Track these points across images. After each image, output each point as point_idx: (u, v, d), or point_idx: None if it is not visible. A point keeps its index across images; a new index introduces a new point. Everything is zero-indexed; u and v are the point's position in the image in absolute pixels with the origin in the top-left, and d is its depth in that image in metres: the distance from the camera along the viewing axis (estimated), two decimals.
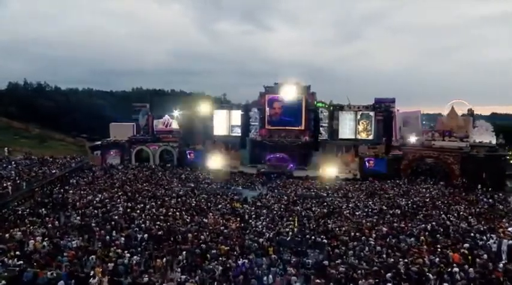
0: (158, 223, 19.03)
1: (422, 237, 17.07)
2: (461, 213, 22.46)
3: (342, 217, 22.35)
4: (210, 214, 22.00)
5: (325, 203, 26.09)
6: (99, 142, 47.88)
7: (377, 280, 11.50)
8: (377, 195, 29.39)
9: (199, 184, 33.28)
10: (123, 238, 16.27)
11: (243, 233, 18.40)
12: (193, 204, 24.47)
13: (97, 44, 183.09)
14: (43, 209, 21.00)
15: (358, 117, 44.44)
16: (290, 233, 18.48)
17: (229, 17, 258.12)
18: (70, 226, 18.31)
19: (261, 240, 16.97)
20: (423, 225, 19.67)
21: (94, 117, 62.47)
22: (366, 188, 32.28)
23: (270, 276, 12.84)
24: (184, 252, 14.84)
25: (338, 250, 15.75)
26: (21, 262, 11.92)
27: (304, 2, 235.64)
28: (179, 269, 13.63)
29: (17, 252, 13.22)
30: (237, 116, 47.91)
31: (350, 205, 25.55)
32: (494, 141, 35.58)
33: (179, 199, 25.83)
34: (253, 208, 24.49)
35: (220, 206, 24.65)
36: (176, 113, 51.81)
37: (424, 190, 30.92)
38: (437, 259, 13.05)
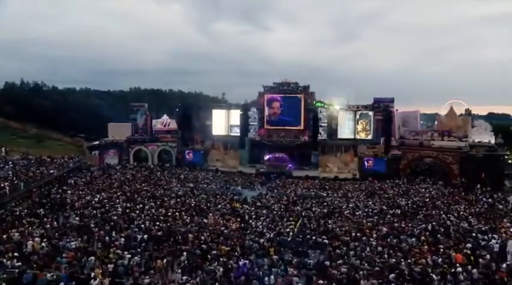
0: (158, 223, 18.88)
1: (423, 238, 17.01)
2: (461, 213, 22.44)
3: (342, 217, 22.31)
4: (210, 214, 21.88)
5: (325, 203, 26.05)
6: (97, 142, 47.60)
7: (380, 281, 11.42)
8: (377, 195, 29.38)
9: (198, 184, 33.15)
10: (122, 239, 16.10)
11: (244, 234, 18.29)
12: (192, 204, 24.34)
13: (95, 44, 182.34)
14: (41, 210, 20.76)
15: (357, 116, 44.41)
16: (291, 233, 18.39)
17: (228, 17, 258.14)
18: (69, 226, 18.08)
19: (261, 240, 16.87)
20: (424, 225, 19.63)
21: (92, 117, 62.04)
22: (366, 188, 32.27)
23: (272, 277, 12.72)
24: (185, 253, 14.71)
25: (339, 250, 15.68)
26: (20, 263, 11.75)
27: (302, 1, 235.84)
28: (179, 270, 13.52)
29: (15, 254, 13.05)
30: (235, 116, 47.75)
31: (350, 205, 25.52)
32: (493, 141, 35.65)
33: (178, 199, 25.69)
34: (253, 208, 24.41)
35: (220, 206, 24.53)
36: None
37: (423, 189, 30.91)
38: (440, 259, 12.99)
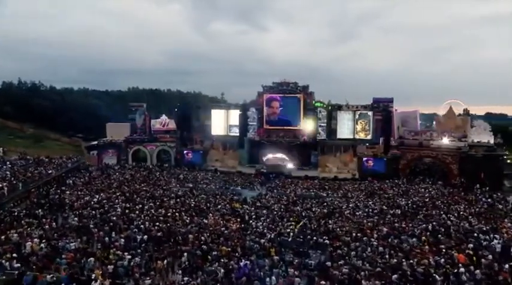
0: (157, 224, 18.77)
1: (423, 238, 16.98)
2: (461, 213, 22.43)
3: (342, 217, 22.26)
4: (210, 214, 21.76)
5: (325, 204, 25.99)
6: (95, 142, 47.38)
7: (383, 282, 11.35)
8: (376, 195, 29.36)
9: (197, 184, 33.03)
10: (122, 240, 15.97)
11: (244, 234, 18.19)
12: (192, 205, 24.23)
13: (92, 43, 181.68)
14: (40, 210, 20.58)
15: (357, 116, 44.39)
16: (291, 234, 18.31)
17: (225, 17, 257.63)
18: (68, 227, 17.94)
19: (262, 241, 16.79)
20: (424, 225, 19.60)
21: (90, 117, 61.72)
22: (365, 188, 32.26)
23: (273, 277, 12.65)
24: (185, 254, 14.60)
25: (340, 251, 15.62)
26: (19, 265, 11.60)
27: (299, 1, 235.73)
28: (180, 271, 13.41)
29: (14, 255, 12.90)
30: (234, 116, 47.64)
31: (350, 205, 25.47)
32: (492, 141, 35.69)
33: (178, 200, 25.58)
34: (253, 209, 24.31)
35: (219, 206, 24.43)
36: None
37: (423, 189, 30.92)
38: (442, 260, 12.94)
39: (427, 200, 26.68)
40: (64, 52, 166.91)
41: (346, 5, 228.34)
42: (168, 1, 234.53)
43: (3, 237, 15.21)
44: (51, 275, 10.43)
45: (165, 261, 14.18)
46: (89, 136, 57.89)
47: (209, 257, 14.52)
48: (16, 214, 19.79)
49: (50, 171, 30.80)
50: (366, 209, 24.17)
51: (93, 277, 10.65)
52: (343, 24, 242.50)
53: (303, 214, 22.69)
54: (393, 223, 20.46)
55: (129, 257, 13.84)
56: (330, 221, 20.89)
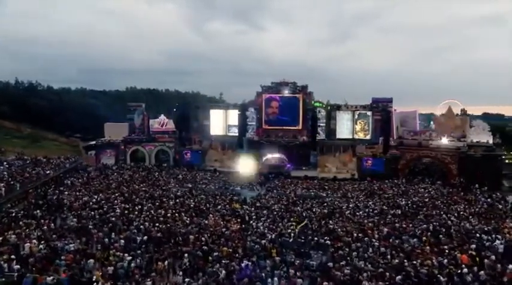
0: (157, 224, 18.62)
1: (424, 238, 16.94)
2: (461, 213, 22.43)
3: (343, 218, 22.18)
4: (210, 215, 21.62)
5: (325, 204, 25.91)
6: (93, 142, 47.12)
7: (387, 283, 11.26)
8: (376, 195, 29.31)
9: (197, 185, 32.87)
10: (122, 240, 15.81)
11: (245, 235, 18.06)
12: (192, 205, 24.06)
13: (89, 43, 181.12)
14: (38, 211, 20.36)
15: (356, 116, 44.38)
16: (292, 234, 18.21)
17: (222, 16, 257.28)
18: (66, 228, 17.73)
19: (263, 242, 16.67)
20: (425, 225, 19.56)
21: (87, 117, 61.47)
22: (365, 188, 32.20)
23: (275, 278, 12.54)
24: (186, 255, 14.47)
25: (342, 251, 15.53)
26: (19, 266, 11.42)
27: (297, 1, 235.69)
28: (181, 272, 13.28)
29: (12, 256, 12.72)
30: (233, 116, 47.53)
31: (350, 205, 25.40)
32: (491, 141, 35.79)
33: (177, 200, 25.40)
34: (253, 209, 24.17)
35: (219, 207, 24.27)
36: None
37: (422, 189, 30.91)
38: (445, 261, 12.88)
39: (426, 200, 26.67)
40: (61, 52, 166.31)
41: (345, 5, 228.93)
42: (165, 1, 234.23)
43: (1, 238, 14.99)
44: (52, 277, 10.26)
45: (166, 262, 14.03)
46: (86, 136, 57.67)
47: (210, 258, 14.39)
48: (14, 214, 19.52)
49: (47, 171, 30.56)
50: (366, 210, 24.10)
51: (94, 279, 10.47)
52: (342, 24, 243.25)
53: (304, 215, 22.58)
54: (394, 223, 20.40)
55: (129, 258, 13.68)
56: (330, 222, 20.80)
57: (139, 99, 60.26)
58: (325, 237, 17.46)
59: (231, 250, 15.30)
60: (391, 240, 17.01)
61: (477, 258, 12.91)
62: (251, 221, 20.84)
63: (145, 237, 16.36)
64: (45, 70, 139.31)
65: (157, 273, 13.24)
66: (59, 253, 13.85)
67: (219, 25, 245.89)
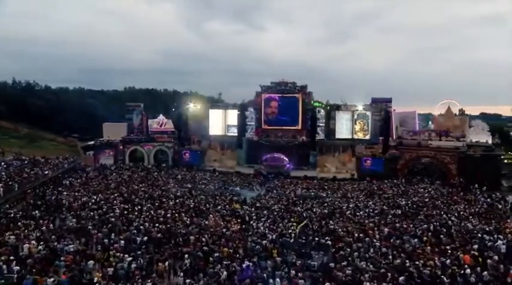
0: (157, 225, 18.50)
1: (425, 238, 16.90)
2: (461, 213, 22.42)
3: (343, 218, 22.11)
4: (211, 215, 21.52)
5: (326, 204, 25.85)
6: (92, 142, 46.91)
7: (389, 284, 11.19)
8: (376, 195, 29.28)
9: (196, 185, 32.75)
10: (122, 241, 15.68)
11: (245, 235, 17.97)
12: (191, 205, 23.94)
13: (87, 43, 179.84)
14: (36, 212, 20.20)
15: (355, 116, 44.37)
16: (293, 234, 18.14)
17: (221, 16, 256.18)
18: (66, 229, 17.60)
19: (264, 242, 16.59)
20: (425, 225, 19.52)
21: (85, 117, 61.22)
22: (365, 188, 32.17)
23: (278, 279, 12.46)
24: (186, 256, 14.36)
25: (343, 252, 15.46)
26: (18, 268, 11.28)
27: (295, 1, 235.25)
28: (182, 273, 13.17)
29: (11, 257, 12.58)
30: (232, 116, 47.43)
31: (350, 205, 25.34)
32: (490, 141, 35.83)
33: (177, 200, 25.28)
34: (253, 209, 24.09)
35: (219, 207, 24.17)
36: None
37: (422, 189, 30.91)
38: (448, 261, 12.83)
39: (426, 200, 26.64)
40: (61, 52, 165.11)
41: (344, 5, 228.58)
42: (164, 1, 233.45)
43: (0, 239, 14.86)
44: (52, 279, 10.13)
45: (167, 263, 13.92)
46: (84, 136, 57.42)
47: (211, 258, 14.28)
48: (12, 215, 19.37)
49: (46, 172, 30.36)
50: (367, 210, 24.05)
51: (95, 281, 10.35)
52: (341, 24, 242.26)
53: (304, 215, 22.52)
54: (394, 223, 20.36)
55: (130, 259, 13.57)
56: (331, 222, 20.73)
57: (138, 98, 60.06)
58: (326, 238, 17.39)
59: (231, 251, 15.21)
60: (392, 240, 16.96)
61: (480, 259, 12.87)
62: (251, 222, 20.75)
63: (145, 238, 16.25)
64: (44, 70, 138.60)
65: (158, 274, 13.14)
66: (58, 254, 13.72)
67: (218, 25, 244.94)
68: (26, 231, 16.51)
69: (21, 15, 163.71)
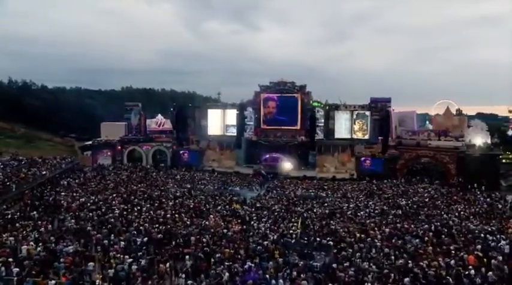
0: (157, 225, 18.31)
1: (426, 238, 16.83)
2: (461, 213, 22.41)
3: (344, 218, 22.02)
4: (211, 216, 21.35)
5: (326, 204, 25.76)
6: (89, 142, 46.58)
7: None
8: (376, 195, 29.23)
9: (195, 185, 32.56)
10: (122, 242, 15.48)
11: (246, 236, 17.81)
12: (191, 206, 23.77)
13: (84, 43, 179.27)
14: (34, 213, 19.97)
15: (354, 116, 44.33)
16: (294, 235, 18.01)
17: (219, 16, 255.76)
18: (65, 230, 17.36)
19: (265, 243, 16.43)
20: (426, 225, 19.47)
21: (83, 116, 60.92)
22: (364, 188, 32.11)
23: (280, 280, 12.31)
24: (187, 257, 14.18)
25: (345, 252, 15.35)
26: (18, 270, 11.07)
27: (293, 1, 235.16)
28: (183, 275, 13.00)
29: (10, 259, 12.35)
30: (231, 116, 47.29)
31: (351, 206, 25.26)
32: (489, 141, 35.89)
33: (176, 201, 25.10)
34: (253, 210, 23.94)
35: (219, 207, 24.02)
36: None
37: (421, 189, 30.92)
38: (452, 262, 12.75)
39: (427, 200, 26.64)
40: (58, 52, 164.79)
41: (343, 4, 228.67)
42: (162, 1, 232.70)
43: None
44: (54, 282, 9.92)
45: (167, 264, 13.74)
46: (82, 136, 57.06)
47: (212, 259, 14.12)
48: (10, 216, 19.14)
49: (43, 172, 30.07)
50: (367, 210, 23.98)
51: (97, 283, 10.15)
52: (339, 24, 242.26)
53: (305, 215, 22.40)
54: (395, 224, 20.30)
55: (130, 260, 13.37)
56: (332, 222, 20.64)
57: (135, 98, 59.81)
58: (328, 238, 17.27)
59: (233, 252, 15.05)
60: (393, 240, 16.87)
61: (484, 259, 12.79)
62: (252, 222, 20.60)
63: (145, 239, 16.06)
64: (42, 69, 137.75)
65: (159, 275, 12.96)
66: (57, 256, 13.50)
67: (216, 25, 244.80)
68: (24, 232, 16.29)
69: (21, 15, 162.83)
